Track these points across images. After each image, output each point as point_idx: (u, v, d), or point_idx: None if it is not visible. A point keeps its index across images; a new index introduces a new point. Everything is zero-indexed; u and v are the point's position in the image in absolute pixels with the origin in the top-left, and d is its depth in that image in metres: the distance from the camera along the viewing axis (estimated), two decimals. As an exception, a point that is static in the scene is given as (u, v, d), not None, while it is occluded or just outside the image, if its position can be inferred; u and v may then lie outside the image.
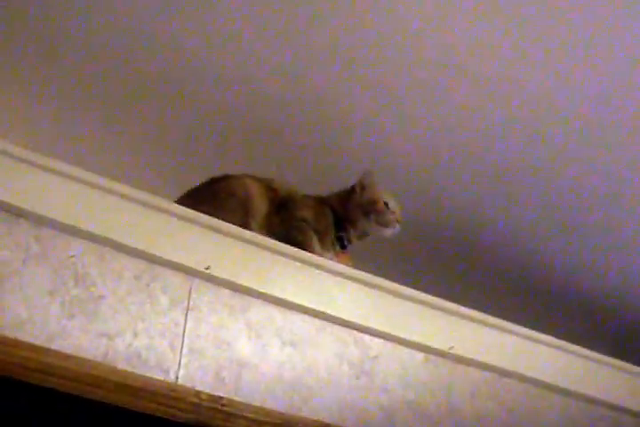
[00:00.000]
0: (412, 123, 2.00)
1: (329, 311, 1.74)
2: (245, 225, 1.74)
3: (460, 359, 1.89)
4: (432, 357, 1.86)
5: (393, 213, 1.90)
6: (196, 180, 1.85)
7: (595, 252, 2.19)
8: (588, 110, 1.90)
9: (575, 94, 1.86)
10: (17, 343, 1.34)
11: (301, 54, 1.85)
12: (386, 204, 1.90)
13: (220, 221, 1.67)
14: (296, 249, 1.75)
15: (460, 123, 1.96)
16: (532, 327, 1.99)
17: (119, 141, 1.93)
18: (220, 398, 1.49)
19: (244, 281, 1.65)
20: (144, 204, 1.59)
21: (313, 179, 2.12)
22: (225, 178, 1.85)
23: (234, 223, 1.70)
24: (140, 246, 1.56)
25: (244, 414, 1.50)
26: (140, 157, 1.96)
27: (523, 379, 1.95)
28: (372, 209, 1.90)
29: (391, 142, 2.06)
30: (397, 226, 1.91)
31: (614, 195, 2.07)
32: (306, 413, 1.60)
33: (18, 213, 1.46)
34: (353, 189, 1.93)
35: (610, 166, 1.99)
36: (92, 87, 1.84)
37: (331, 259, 1.83)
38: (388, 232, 1.92)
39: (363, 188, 1.92)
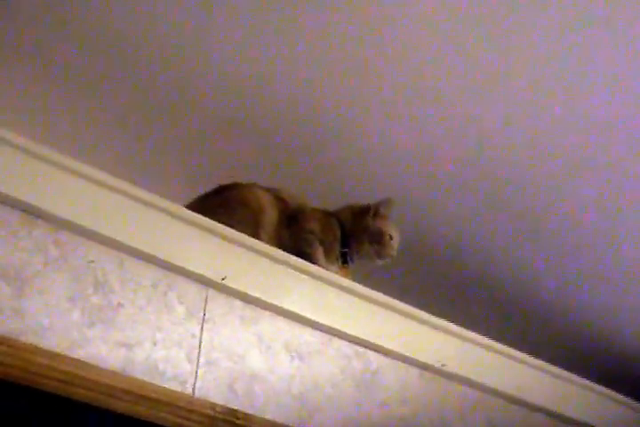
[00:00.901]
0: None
1: (334, 325, 1.74)
2: (256, 236, 1.73)
3: (451, 376, 1.91)
4: (426, 373, 1.88)
5: (392, 246, 1.91)
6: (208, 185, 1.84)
7: (580, 273, 2.23)
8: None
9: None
10: (37, 351, 1.32)
11: (303, 62, 1.84)
12: (390, 237, 1.91)
13: (238, 233, 1.66)
14: (307, 263, 1.75)
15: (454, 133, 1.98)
16: (520, 349, 2.03)
17: (142, 146, 1.91)
18: (235, 411, 1.49)
19: (257, 293, 1.64)
20: (165, 211, 1.57)
21: (302, 187, 2.10)
22: (235, 187, 1.83)
23: (245, 234, 1.69)
24: (159, 254, 1.54)
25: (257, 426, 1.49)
26: (156, 160, 1.94)
27: (510, 399, 1.98)
28: (377, 239, 1.90)
29: (378, 151, 2.06)
30: (389, 259, 1.93)
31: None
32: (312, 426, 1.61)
33: (37, 214, 1.43)
34: (367, 210, 1.93)
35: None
36: (118, 92, 1.81)
37: (335, 272, 1.83)
38: (379, 263, 1.93)
39: (376, 214, 1.93)
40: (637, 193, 2.04)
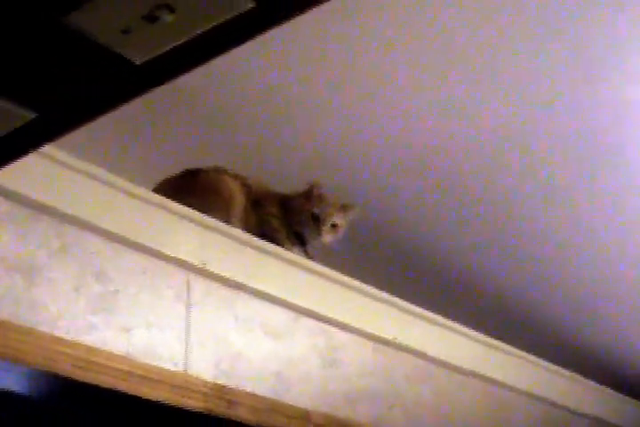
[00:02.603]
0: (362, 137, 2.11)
1: (301, 304, 1.88)
2: (228, 221, 1.85)
3: (402, 349, 2.08)
4: (380, 346, 2.05)
5: (325, 225, 1.98)
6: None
7: (524, 263, 2.42)
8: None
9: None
10: (53, 339, 1.42)
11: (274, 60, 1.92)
12: (316, 216, 1.99)
13: (217, 221, 1.77)
14: (277, 247, 1.88)
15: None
16: (461, 322, 2.22)
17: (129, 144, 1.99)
18: (224, 387, 1.62)
19: (235, 276, 1.77)
20: (152, 203, 1.67)
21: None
22: (206, 172, 1.92)
23: (218, 219, 1.81)
24: (148, 243, 1.64)
25: (244, 401, 1.63)
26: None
27: (454, 368, 2.17)
28: (311, 219, 1.99)
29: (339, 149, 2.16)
30: (323, 238, 1.99)
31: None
32: (288, 400, 1.75)
33: (41, 209, 1.52)
34: (304, 193, 2.02)
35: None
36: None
37: (299, 253, 1.97)
38: (324, 242, 2.00)
39: (308, 196, 2.01)
40: (557, 167, 2.18)
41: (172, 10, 0.82)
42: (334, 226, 2.01)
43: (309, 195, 2.02)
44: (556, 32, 1.77)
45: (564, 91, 1.92)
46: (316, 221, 1.99)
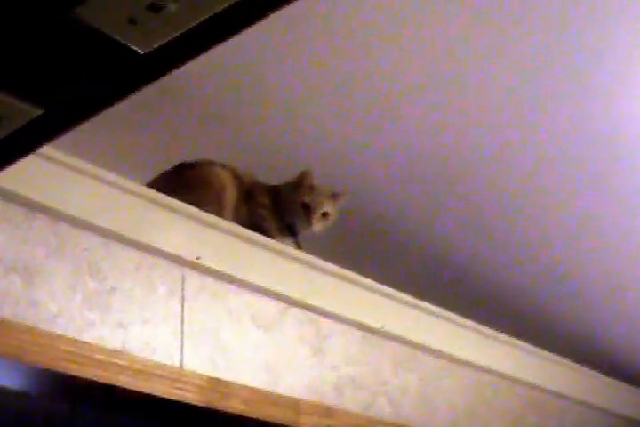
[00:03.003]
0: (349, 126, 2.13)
1: (290, 295, 1.92)
2: (220, 214, 1.87)
3: (389, 337, 2.12)
4: (367, 334, 2.09)
5: (315, 213, 2.00)
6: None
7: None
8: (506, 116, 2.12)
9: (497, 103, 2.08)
10: (54, 337, 1.44)
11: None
12: (307, 205, 2.02)
13: (209, 215, 1.80)
14: (268, 239, 1.91)
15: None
16: (448, 309, 2.27)
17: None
18: (219, 380, 1.66)
19: (227, 270, 1.80)
20: (145, 198, 1.69)
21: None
22: (197, 166, 1.95)
23: (210, 212, 1.83)
24: (141, 239, 1.67)
25: (237, 393, 1.67)
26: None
27: (440, 355, 2.22)
28: (300, 208, 2.01)
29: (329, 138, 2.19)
30: (313, 227, 2.01)
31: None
32: (279, 390, 1.80)
33: (37, 208, 1.54)
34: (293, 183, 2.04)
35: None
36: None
37: (289, 244, 2.00)
38: (315, 231, 2.02)
39: (299, 186, 2.03)
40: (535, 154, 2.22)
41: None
42: (325, 214, 2.04)
43: (300, 184, 2.04)
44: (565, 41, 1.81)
45: (565, 91, 1.96)
46: (307, 209, 2.01)
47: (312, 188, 2.04)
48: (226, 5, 0.83)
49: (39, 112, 0.95)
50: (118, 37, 0.85)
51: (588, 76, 1.93)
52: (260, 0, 0.83)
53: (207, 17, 0.84)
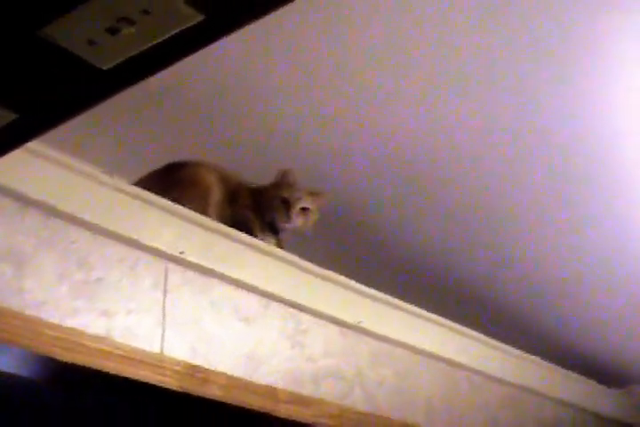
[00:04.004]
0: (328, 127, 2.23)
1: (271, 290, 2.02)
2: (205, 212, 1.98)
3: (366, 332, 2.23)
4: (345, 330, 2.19)
5: (293, 208, 2.09)
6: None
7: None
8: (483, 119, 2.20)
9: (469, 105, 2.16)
10: (40, 322, 1.55)
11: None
12: (286, 199, 2.11)
13: (193, 212, 1.90)
14: (249, 237, 2.02)
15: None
16: (422, 306, 2.37)
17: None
18: (197, 366, 1.76)
19: (210, 264, 1.90)
20: (132, 195, 1.80)
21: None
22: (185, 165, 2.06)
23: (196, 210, 1.94)
24: (128, 234, 1.78)
25: (215, 380, 1.78)
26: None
27: (415, 350, 2.32)
28: (277, 205, 2.11)
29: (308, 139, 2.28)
30: (292, 222, 2.10)
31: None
32: (257, 379, 1.90)
33: (29, 202, 1.65)
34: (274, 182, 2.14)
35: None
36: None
37: (272, 244, 2.11)
38: (292, 226, 2.12)
39: (277, 184, 2.13)
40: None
41: (131, 23, 0.97)
42: (304, 209, 2.13)
43: (279, 182, 2.14)
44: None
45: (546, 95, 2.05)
46: (286, 204, 2.10)
47: (291, 184, 2.13)
48: (177, 30, 0.95)
49: (14, 116, 1.09)
50: (81, 54, 0.98)
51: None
52: (213, 25, 0.95)
53: (162, 39, 0.96)
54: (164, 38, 0.99)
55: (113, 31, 0.98)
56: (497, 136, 2.20)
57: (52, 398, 1.63)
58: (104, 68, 1.02)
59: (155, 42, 0.99)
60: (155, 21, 0.97)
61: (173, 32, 0.98)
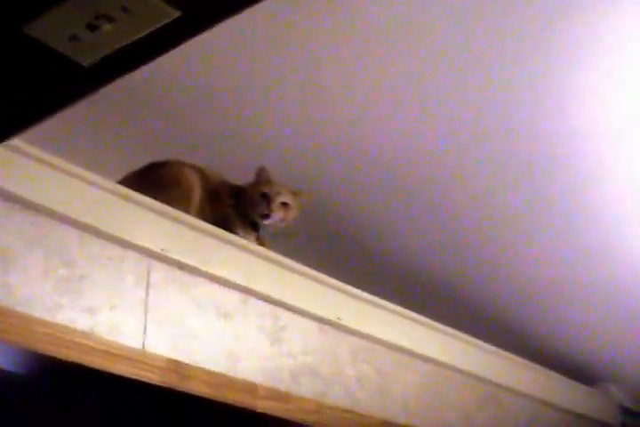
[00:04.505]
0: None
1: (251, 287, 2.06)
2: (187, 211, 2.02)
3: (345, 329, 2.27)
4: (324, 326, 2.23)
5: (273, 203, 2.14)
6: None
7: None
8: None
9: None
10: (26, 317, 1.58)
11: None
12: (266, 194, 2.16)
13: (175, 210, 1.94)
14: (230, 234, 2.06)
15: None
16: (402, 304, 2.41)
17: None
18: (178, 362, 1.80)
19: (191, 261, 1.94)
20: (115, 193, 1.84)
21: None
22: (167, 165, 2.10)
23: (178, 209, 1.97)
24: (111, 232, 1.81)
25: (196, 375, 1.81)
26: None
27: (394, 347, 2.36)
28: (255, 201, 2.16)
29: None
30: (273, 216, 2.15)
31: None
32: (237, 375, 1.94)
33: (16, 201, 1.68)
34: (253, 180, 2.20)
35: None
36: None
37: (253, 242, 2.15)
38: (263, 221, 2.16)
39: (256, 182, 2.19)
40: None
41: (111, 20, 1.01)
42: (284, 204, 2.17)
43: (258, 178, 2.19)
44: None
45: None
46: (266, 198, 2.15)
47: (270, 180, 2.19)
48: (155, 27, 0.99)
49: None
50: (63, 51, 1.02)
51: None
52: (190, 21, 0.99)
53: (140, 36, 1.00)
54: (142, 35, 1.02)
55: (93, 28, 1.01)
56: (483, 138, 2.24)
57: (39, 392, 1.66)
58: (85, 64, 1.06)
59: (134, 38, 1.02)
60: (133, 18, 1.01)
61: (152, 28, 1.01)
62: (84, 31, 1.02)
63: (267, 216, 2.16)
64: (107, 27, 1.01)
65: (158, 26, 1.01)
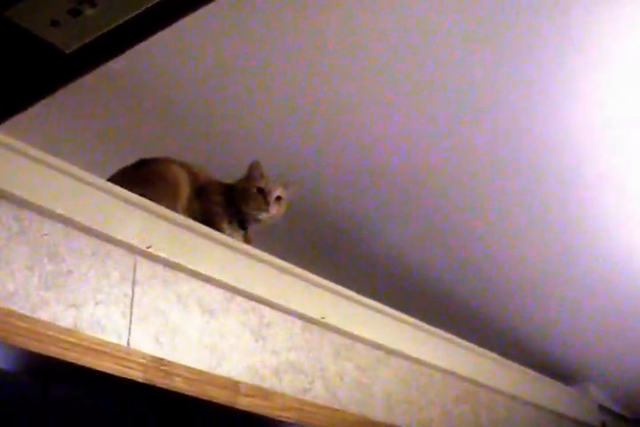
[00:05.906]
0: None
1: (236, 284, 2.07)
2: (174, 208, 2.02)
3: (329, 327, 2.28)
4: (308, 324, 2.24)
5: (267, 196, 2.16)
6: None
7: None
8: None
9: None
10: (10, 313, 1.58)
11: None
12: (262, 189, 2.17)
13: (161, 207, 1.94)
14: (216, 232, 2.06)
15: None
16: (385, 303, 2.43)
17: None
18: (161, 359, 1.80)
19: (177, 258, 1.94)
20: (101, 189, 1.84)
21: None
22: (154, 162, 2.10)
23: (165, 206, 1.98)
24: (97, 227, 1.81)
25: (179, 373, 1.82)
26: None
27: (376, 346, 2.38)
28: (247, 196, 2.17)
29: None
30: (270, 211, 2.17)
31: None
32: (220, 372, 1.94)
33: (1, 195, 1.68)
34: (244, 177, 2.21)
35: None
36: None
37: (239, 239, 2.15)
38: (263, 218, 2.18)
39: (247, 177, 2.20)
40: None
41: (93, 4, 1.00)
42: (279, 199, 2.19)
43: (251, 174, 2.20)
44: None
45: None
46: (262, 194, 2.16)
47: (264, 175, 2.20)
48: (140, 10, 0.98)
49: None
50: (44, 37, 1.01)
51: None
52: (172, 5, 0.99)
53: (123, 20, 1.00)
54: (125, 19, 1.01)
55: (75, 13, 1.00)
56: (475, 141, 2.25)
57: (21, 388, 1.66)
58: (67, 51, 1.04)
59: (116, 23, 1.01)
60: (115, 2, 1.00)
61: (134, 13, 1.00)
62: (65, 16, 1.00)
63: (264, 211, 2.16)
64: (89, 11, 1.00)
65: (140, 10, 1.00)
